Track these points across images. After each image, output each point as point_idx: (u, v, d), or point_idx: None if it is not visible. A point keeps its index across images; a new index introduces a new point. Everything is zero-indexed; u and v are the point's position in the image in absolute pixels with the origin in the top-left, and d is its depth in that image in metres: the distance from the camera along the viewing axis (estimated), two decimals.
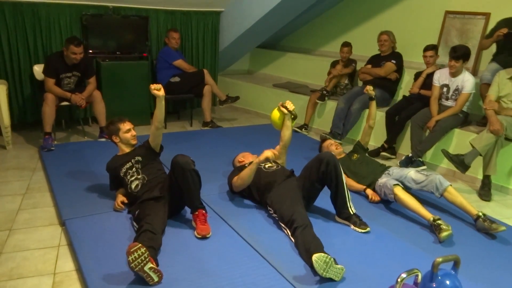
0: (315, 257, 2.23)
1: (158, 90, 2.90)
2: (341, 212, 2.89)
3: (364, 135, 3.85)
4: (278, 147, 3.38)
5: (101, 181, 3.40)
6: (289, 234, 2.68)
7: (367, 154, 3.83)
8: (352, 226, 2.85)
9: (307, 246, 2.44)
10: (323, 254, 2.25)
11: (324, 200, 3.02)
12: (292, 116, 3.36)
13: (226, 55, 6.22)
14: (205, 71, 5.31)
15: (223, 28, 5.90)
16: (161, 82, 5.15)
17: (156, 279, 2.18)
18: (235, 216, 2.97)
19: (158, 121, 2.97)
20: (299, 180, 2.99)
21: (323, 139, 3.94)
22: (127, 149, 3.11)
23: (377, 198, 3.29)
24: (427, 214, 2.90)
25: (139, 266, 2.11)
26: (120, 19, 5.08)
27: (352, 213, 2.87)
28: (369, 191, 3.34)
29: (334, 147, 3.70)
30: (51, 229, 2.80)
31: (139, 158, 3.02)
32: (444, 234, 2.73)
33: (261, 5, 5.27)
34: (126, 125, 3.09)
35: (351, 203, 2.88)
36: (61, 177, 3.51)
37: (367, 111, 4.72)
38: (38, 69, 4.52)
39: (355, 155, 3.66)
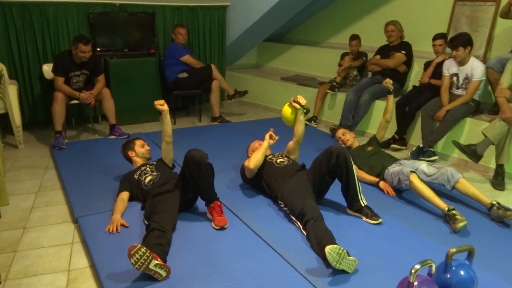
0: (328, 248, 2.22)
1: (161, 105, 3.09)
2: (352, 204, 2.88)
3: (380, 129, 3.84)
4: (291, 142, 3.37)
5: (112, 178, 3.42)
6: (301, 227, 2.68)
7: (381, 148, 3.80)
8: (364, 218, 2.84)
9: (319, 239, 2.43)
10: (336, 245, 2.24)
11: (335, 192, 3.00)
12: (305, 111, 3.31)
13: (233, 50, 6.20)
14: (213, 66, 5.30)
15: (229, 22, 5.88)
16: (169, 78, 5.21)
17: (164, 274, 2.19)
18: (246, 210, 2.97)
19: (167, 136, 3.13)
20: (309, 173, 2.98)
21: (335, 131, 3.95)
22: (142, 162, 3.23)
23: (392, 192, 3.26)
24: (441, 203, 2.87)
25: (144, 266, 2.12)
26: (127, 16, 5.08)
27: (363, 205, 2.85)
28: (382, 184, 3.32)
29: (348, 136, 3.70)
30: (64, 226, 2.83)
31: (154, 162, 3.19)
32: (460, 224, 2.70)
33: None
34: (140, 141, 3.31)
35: (362, 195, 2.86)
36: (73, 175, 3.54)
37: (376, 102, 4.70)
38: (47, 69, 4.55)
39: (370, 147, 3.64)
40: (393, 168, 3.27)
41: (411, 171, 3.04)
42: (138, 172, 3.07)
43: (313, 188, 2.91)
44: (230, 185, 3.37)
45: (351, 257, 2.26)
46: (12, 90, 4.14)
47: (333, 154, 2.78)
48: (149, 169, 3.07)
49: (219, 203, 2.81)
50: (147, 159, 3.28)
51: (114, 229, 2.66)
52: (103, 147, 4.22)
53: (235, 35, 5.90)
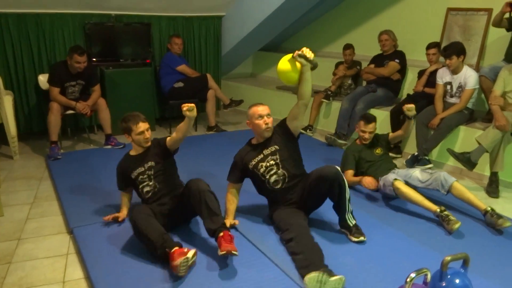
0: (306, 280, 2.13)
1: (190, 111, 2.64)
2: (342, 224, 2.78)
3: (395, 137, 3.65)
4: (295, 106, 2.81)
5: (108, 188, 3.41)
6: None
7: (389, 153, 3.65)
8: (348, 235, 2.74)
9: (307, 261, 2.31)
10: (314, 274, 2.12)
11: (330, 206, 2.97)
12: (312, 66, 2.67)
13: (228, 59, 6.23)
14: (208, 75, 5.33)
15: (225, 32, 5.91)
16: (164, 88, 5.22)
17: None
18: (243, 220, 2.95)
19: (182, 134, 2.75)
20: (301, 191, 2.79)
21: (365, 118, 3.58)
22: (140, 149, 2.88)
23: (371, 185, 3.27)
24: (432, 206, 2.89)
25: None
26: (123, 26, 5.11)
27: (351, 225, 2.73)
28: (364, 180, 3.30)
29: (368, 135, 3.50)
30: (59, 237, 2.81)
31: (152, 163, 2.83)
32: (455, 226, 2.74)
33: (262, 8, 5.28)
34: (139, 127, 2.79)
35: (349, 215, 2.72)
36: (68, 185, 3.53)
37: (371, 111, 4.71)
38: (43, 79, 4.55)
39: (379, 149, 3.54)
40: (386, 176, 3.28)
41: (395, 178, 3.07)
42: (135, 174, 2.81)
43: (303, 206, 2.80)
44: (224, 195, 3.34)
45: (335, 277, 2.15)
46: (7, 101, 4.13)
47: (326, 182, 2.59)
48: (146, 176, 2.80)
49: (229, 232, 2.44)
50: (145, 147, 2.88)
51: (110, 218, 2.85)
52: (99, 157, 4.21)
53: (230, 45, 5.93)
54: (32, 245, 2.71)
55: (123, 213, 2.91)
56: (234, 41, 5.86)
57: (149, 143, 2.87)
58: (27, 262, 2.52)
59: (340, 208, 2.71)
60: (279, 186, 2.81)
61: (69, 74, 4.29)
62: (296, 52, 2.63)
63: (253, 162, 2.85)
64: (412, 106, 3.37)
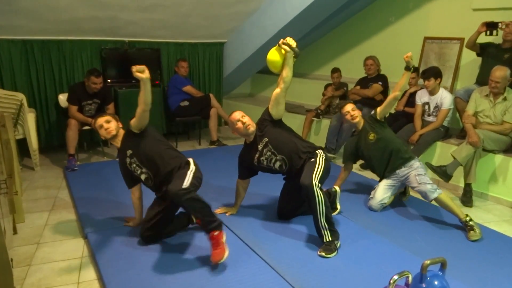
0: None
1: (141, 72, 2.36)
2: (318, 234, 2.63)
3: (386, 106, 3.19)
4: (278, 90, 2.83)
5: (120, 197, 3.39)
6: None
7: (384, 127, 3.26)
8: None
9: None
10: None
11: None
12: (294, 55, 2.68)
13: (229, 81, 6.26)
14: (211, 95, 5.34)
15: (226, 57, 5.95)
16: (172, 106, 5.23)
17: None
18: (241, 226, 2.94)
19: (145, 104, 2.52)
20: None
21: (343, 104, 3.36)
22: (115, 143, 2.70)
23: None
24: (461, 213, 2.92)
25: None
26: (135, 51, 5.14)
27: (324, 240, 2.57)
28: None
29: (357, 113, 3.25)
30: (75, 241, 2.79)
31: (130, 151, 2.61)
32: (474, 238, 2.80)
33: (259, 37, 5.32)
34: (97, 123, 2.65)
35: (327, 232, 2.56)
36: (84, 194, 3.51)
37: None
38: (62, 98, 4.56)
39: (372, 134, 3.20)
40: (415, 175, 3.09)
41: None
42: (127, 165, 2.64)
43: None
44: (225, 203, 3.33)
45: None
46: (30, 118, 4.13)
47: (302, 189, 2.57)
48: (135, 165, 2.60)
49: (215, 233, 2.34)
50: (111, 138, 2.68)
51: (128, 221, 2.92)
52: (112, 168, 4.18)
53: (231, 68, 5.97)
54: (50, 248, 2.68)
55: (136, 221, 2.89)
56: (235, 65, 5.89)
57: (112, 133, 2.65)
58: (45, 264, 2.49)
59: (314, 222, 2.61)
60: (285, 168, 2.84)
61: (86, 93, 4.30)
62: (282, 40, 2.67)
63: (255, 159, 2.89)
64: (411, 55, 3.04)
